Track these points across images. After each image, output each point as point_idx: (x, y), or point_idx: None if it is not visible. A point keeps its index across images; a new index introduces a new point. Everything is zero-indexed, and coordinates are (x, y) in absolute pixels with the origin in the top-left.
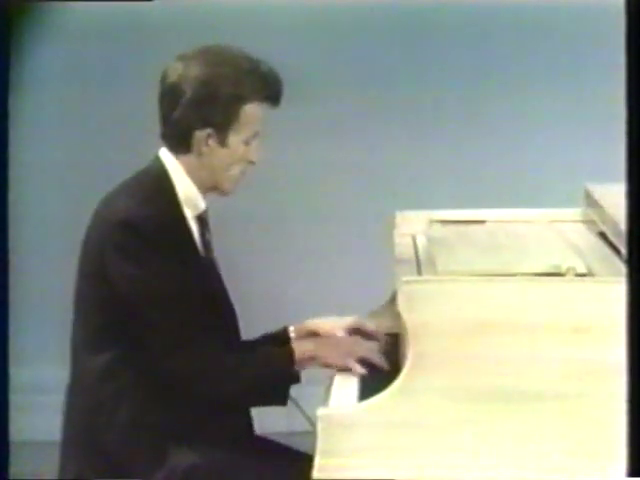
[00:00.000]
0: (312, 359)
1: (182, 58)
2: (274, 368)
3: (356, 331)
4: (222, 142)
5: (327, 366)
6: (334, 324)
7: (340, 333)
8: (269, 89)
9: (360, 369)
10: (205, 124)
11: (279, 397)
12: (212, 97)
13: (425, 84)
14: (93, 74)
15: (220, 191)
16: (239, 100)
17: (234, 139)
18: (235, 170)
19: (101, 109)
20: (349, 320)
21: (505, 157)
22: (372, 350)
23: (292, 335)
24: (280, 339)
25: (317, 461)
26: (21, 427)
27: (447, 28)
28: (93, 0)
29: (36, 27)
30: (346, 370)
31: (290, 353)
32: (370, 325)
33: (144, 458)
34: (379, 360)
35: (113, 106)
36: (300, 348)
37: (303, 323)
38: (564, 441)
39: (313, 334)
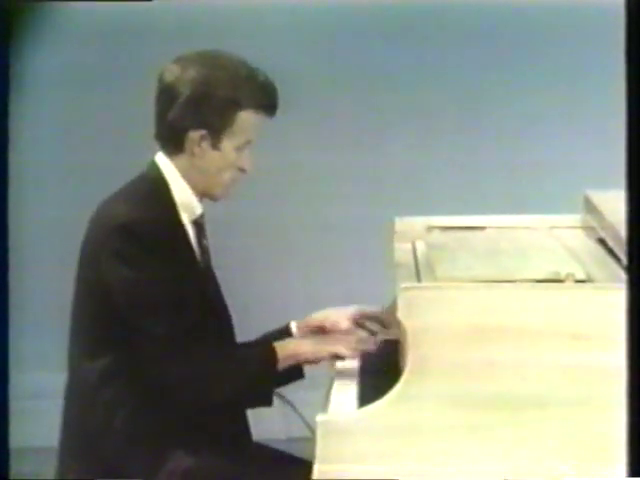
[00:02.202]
0: (292, 357)
1: (179, 60)
2: (254, 369)
3: (361, 318)
4: (215, 145)
5: (307, 362)
6: (338, 315)
7: (345, 323)
8: (265, 98)
9: (342, 349)
10: (199, 125)
11: (263, 397)
12: (208, 98)
13: (424, 88)
14: (93, 74)
15: (210, 196)
16: (235, 105)
17: (227, 144)
18: (226, 176)
19: (101, 109)
20: (352, 309)
21: (505, 162)
22: (360, 340)
23: (294, 331)
24: (283, 336)
25: (316, 467)
26: (21, 433)
27: (446, 31)
28: (93, 0)
29: (36, 27)
30: (323, 359)
31: (271, 353)
32: (373, 309)
33: (141, 463)
34: (367, 346)
35: (113, 106)
36: (281, 346)
37: (306, 317)
38: (563, 447)
39: (318, 327)
